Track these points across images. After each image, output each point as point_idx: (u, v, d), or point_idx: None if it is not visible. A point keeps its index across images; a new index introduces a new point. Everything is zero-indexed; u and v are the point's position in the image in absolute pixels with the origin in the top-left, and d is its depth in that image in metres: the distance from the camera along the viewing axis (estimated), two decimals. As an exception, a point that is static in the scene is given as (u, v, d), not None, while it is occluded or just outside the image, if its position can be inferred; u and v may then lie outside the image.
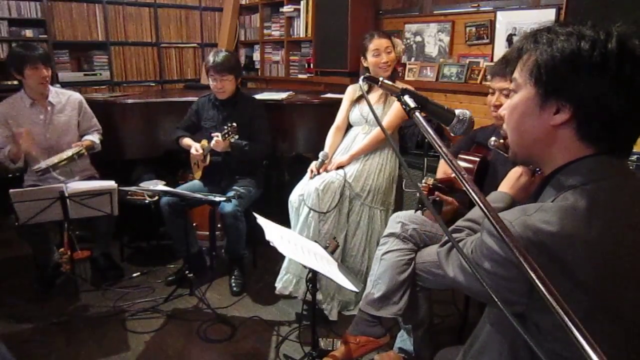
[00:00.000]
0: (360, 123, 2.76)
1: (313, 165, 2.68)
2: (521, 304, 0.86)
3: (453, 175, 1.86)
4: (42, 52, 2.81)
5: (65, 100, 3.00)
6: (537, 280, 0.64)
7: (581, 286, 0.80)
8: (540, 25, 0.91)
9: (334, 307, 2.56)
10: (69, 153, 2.79)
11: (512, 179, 1.32)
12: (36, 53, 2.76)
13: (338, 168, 2.62)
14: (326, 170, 2.65)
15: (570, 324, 0.59)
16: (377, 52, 2.62)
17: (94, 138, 3.05)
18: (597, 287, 0.80)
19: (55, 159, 2.73)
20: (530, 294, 0.84)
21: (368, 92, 2.78)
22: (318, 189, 2.49)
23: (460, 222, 1.25)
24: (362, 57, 2.73)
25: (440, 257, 1.14)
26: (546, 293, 0.63)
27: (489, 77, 1.92)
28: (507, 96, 1.74)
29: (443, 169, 2.24)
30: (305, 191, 2.55)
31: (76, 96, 3.06)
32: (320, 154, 2.70)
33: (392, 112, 2.63)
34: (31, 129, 2.86)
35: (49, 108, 2.93)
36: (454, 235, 1.18)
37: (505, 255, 0.84)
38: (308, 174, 2.67)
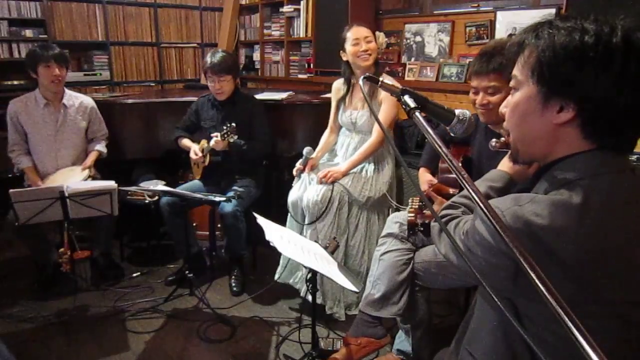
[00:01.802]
0: (349, 128, 2.73)
1: (298, 163, 2.68)
2: (507, 290, 0.87)
3: (435, 186, 1.87)
4: (57, 52, 2.85)
5: (78, 104, 3.03)
6: (528, 269, 0.64)
7: (570, 277, 0.80)
8: (541, 19, 0.89)
9: (341, 308, 2.56)
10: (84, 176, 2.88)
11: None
12: (50, 52, 2.80)
13: (334, 182, 2.55)
14: (304, 171, 2.65)
15: (561, 311, 0.60)
16: (356, 41, 2.55)
17: (101, 148, 3.10)
18: (587, 280, 0.81)
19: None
20: (515, 282, 0.84)
21: (347, 94, 2.72)
22: (317, 200, 2.49)
23: (456, 199, 1.24)
24: (341, 51, 2.65)
25: (434, 232, 1.14)
26: (536, 279, 0.63)
27: (470, 76, 1.82)
28: (492, 94, 1.69)
29: (424, 179, 2.19)
30: (304, 199, 2.55)
31: (88, 101, 3.10)
32: (305, 151, 2.66)
33: (383, 115, 2.54)
34: (41, 129, 2.91)
35: (62, 110, 2.95)
36: (450, 211, 1.17)
37: (494, 244, 0.85)
38: (294, 173, 2.67)
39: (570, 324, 0.58)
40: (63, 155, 2.97)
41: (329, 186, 2.53)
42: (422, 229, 1.67)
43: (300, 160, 2.67)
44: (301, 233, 2.58)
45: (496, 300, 0.70)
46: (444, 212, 1.16)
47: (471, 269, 0.76)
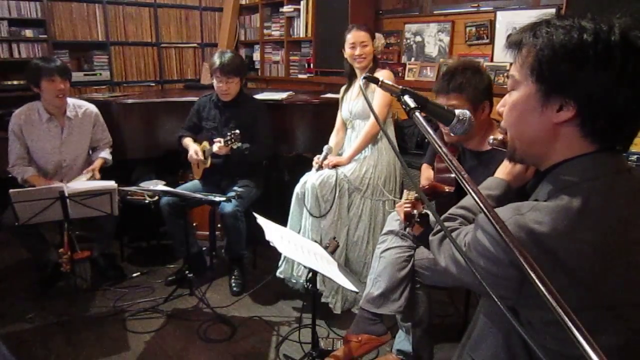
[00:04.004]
0: (350, 119, 2.80)
1: (316, 158, 2.70)
2: (510, 299, 0.87)
3: (431, 184, 1.87)
4: (59, 64, 2.81)
5: (82, 113, 3.01)
6: (535, 278, 0.64)
7: (575, 281, 0.80)
8: (538, 18, 0.88)
9: (338, 300, 2.56)
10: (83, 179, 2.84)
11: (508, 166, 1.28)
12: (53, 65, 2.76)
13: (335, 166, 2.64)
14: (322, 167, 2.67)
15: (565, 317, 0.59)
16: (352, 45, 2.66)
17: (106, 155, 3.10)
18: (593, 283, 0.81)
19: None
20: (520, 291, 0.84)
21: (349, 88, 2.83)
22: (315, 184, 2.54)
23: (453, 210, 1.23)
24: (342, 49, 2.76)
25: (433, 245, 1.13)
26: (542, 287, 0.63)
27: (434, 94, 1.85)
28: None
29: (426, 175, 2.22)
30: (305, 187, 2.60)
31: (92, 109, 3.07)
32: (325, 147, 2.73)
33: (377, 101, 2.62)
34: (45, 143, 2.89)
35: (66, 122, 2.93)
36: (447, 223, 1.17)
37: (497, 254, 0.85)
38: (314, 165, 2.70)
39: (574, 329, 0.58)
40: (69, 164, 2.97)
41: (331, 172, 2.58)
42: (419, 219, 1.65)
43: (320, 156, 2.70)
44: (301, 225, 2.62)
45: (504, 310, 0.70)
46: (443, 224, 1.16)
47: (480, 282, 0.75)
